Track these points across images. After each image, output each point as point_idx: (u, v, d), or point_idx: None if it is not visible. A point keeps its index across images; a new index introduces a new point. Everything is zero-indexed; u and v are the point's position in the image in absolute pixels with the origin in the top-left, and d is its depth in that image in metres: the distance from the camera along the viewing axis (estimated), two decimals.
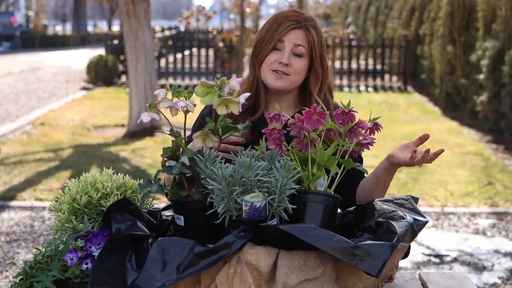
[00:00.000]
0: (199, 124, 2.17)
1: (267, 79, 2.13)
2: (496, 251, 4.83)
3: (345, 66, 15.01)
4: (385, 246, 1.64)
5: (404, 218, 1.75)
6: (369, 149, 1.87)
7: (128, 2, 8.84)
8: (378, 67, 15.16)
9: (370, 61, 15.86)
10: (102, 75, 14.80)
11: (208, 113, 2.17)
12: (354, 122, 1.82)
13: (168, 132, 1.83)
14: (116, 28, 31.09)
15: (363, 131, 1.84)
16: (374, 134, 1.85)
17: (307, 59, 2.12)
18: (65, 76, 16.61)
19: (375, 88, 14.39)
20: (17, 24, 29.36)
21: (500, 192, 6.24)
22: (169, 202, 1.95)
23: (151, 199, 1.99)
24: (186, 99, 1.81)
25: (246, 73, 2.31)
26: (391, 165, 1.97)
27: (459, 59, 10.68)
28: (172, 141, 1.82)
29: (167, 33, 18.77)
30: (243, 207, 1.71)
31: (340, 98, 2.10)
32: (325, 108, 1.83)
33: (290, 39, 2.11)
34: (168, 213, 1.99)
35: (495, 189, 6.35)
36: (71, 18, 36.28)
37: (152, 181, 1.83)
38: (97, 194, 1.87)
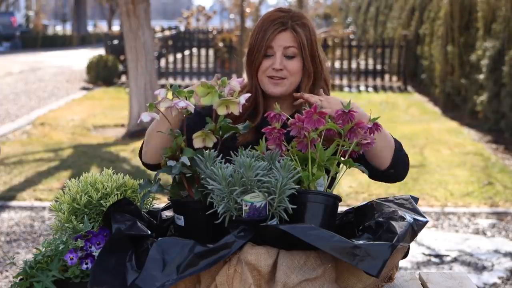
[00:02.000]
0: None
1: (265, 87, 2.13)
2: (496, 251, 4.83)
3: (345, 66, 15.01)
4: (385, 246, 1.64)
5: (404, 218, 1.74)
6: (368, 149, 1.87)
7: (128, 2, 8.84)
8: (378, 67, 15.17)
9: (370, 61, 15.86)
10: (102, 75, 14.80)
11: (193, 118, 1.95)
12: (354, 122, 1.82)
13: (168, 132, 1.83)
14: (116, 28, 31.08)
15: (363, 131, 1.84)
16: (374, 134, 1.85)
17: (300, 59, 2.11)
18: (65, 76, 16.61)
19: (375, 88, 14.39)
20: (17, 24, 29.37)
21: (500, 192, 6.24)
22: (169, 202, 1.94)
23: (151, 199, 1.99)
24: (186, 99, 1.80)
25: (245, 73, 2.28)
26: None
27: (459, 59, 10.68)
28: (172, 141, 1.82)
29: (167, 33, 18.79)
30: (243, 207, 1.71)
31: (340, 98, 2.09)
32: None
33: (279, 43, 2.09)
34: (168, 213, 1.99)
35: (495, 189, 6.35)
36: (71, 18, 36.28)
37: (152, 181, 1.83)
38: (97, 194, 1.87)
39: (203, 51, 15.04)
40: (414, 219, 1.76)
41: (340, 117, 1.83)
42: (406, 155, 2.10)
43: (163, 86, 1.95)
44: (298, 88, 2.16)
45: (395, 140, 2.07)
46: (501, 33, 8.92)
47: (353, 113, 1.82)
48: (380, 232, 1.72)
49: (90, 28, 37.65)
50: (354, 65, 15.08)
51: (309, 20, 2.15)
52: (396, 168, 2.05)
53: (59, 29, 37.96)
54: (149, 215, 1.90)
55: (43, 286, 1.68)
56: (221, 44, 14.83)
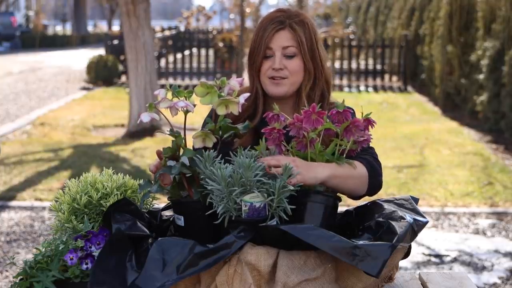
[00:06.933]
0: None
1: (267, 88, 2.11)
2: (496, 251, 4.83)
3: (345, 66, 15.01)
4: (385, 246, 1.64)
5: (404, 218, 1.75)
6: (365, 146, 1.87)
7: (128, 2, 8.84)
8: (378, 67, 15.17)
9: (370, 61, 15.86)
10: (102, 75, 14.80)
11: None
12: (349, 121, 1.82)
13: (168, 132, 1.83)
14: (116, 28, 31.10)
15: (360, 129, 1.84)
16: (368, 130, 1.85)
17: (300, 57, 2.09)
18: (65, 76, 16.61)
19: (375, 88, 14.39)
20: (17, 24, 29.41)
21: (500, 192, 6.24)
22: (169, 202, 1.95)
23: (151, 199, 1.99)
24: (186, 99, 1.80)
25: (246, 73, 2.26)
26: None
27: (459, 59, 10.68)
28: (172, 141, 1.82)
29: (167, 33, 18.77)
30: (242, 207, 1.71)
31: (340, 98, 2.09)
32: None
33: (277, 43, 2.07)
34: (168, 213, 1.99)
35: (495, 189, 6.35)
36: (71, 18, 36.30)
37: (152, 181, 1.82)
38: (97, 194, 1.87)
39: (203, 51, 15.04)
40: (414, 219, 1.76)
41: (336, 116, 1.83)
42: (378, 178, 1.97)
43: (163, 86, 1.95)
44: (299, 88, 2.14)
45: (368, 164, 1.95)
46: (501, 33, 8.92)
47: (348, 112, 1.82)
48: (380, 232, 1.72)
49: (90, 28, 37.66)
50: (354, 65, 15.07)
51: (308, 18, 2.13)
52: (371, 192, 1.98)
53: (59, 29, 37.97)
54: (149, 215, 1.90)
55: (43, 286, 1.68)
56: (221, 44, 14.83)
